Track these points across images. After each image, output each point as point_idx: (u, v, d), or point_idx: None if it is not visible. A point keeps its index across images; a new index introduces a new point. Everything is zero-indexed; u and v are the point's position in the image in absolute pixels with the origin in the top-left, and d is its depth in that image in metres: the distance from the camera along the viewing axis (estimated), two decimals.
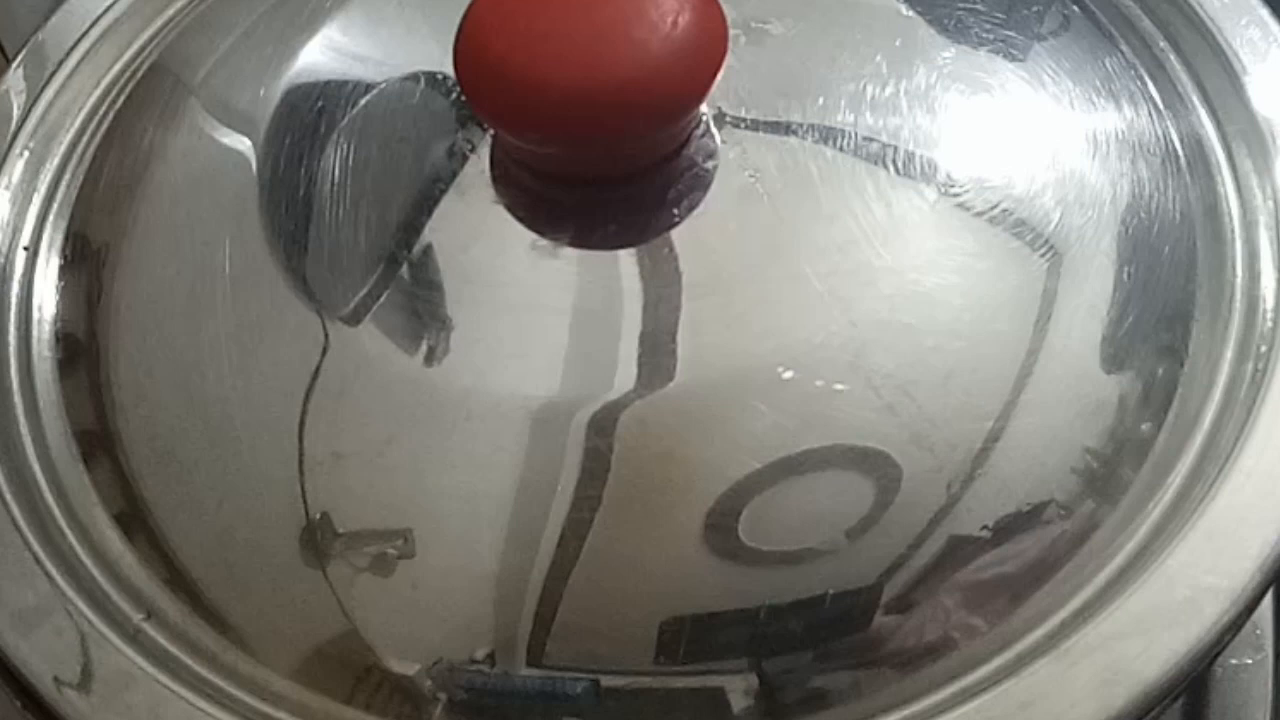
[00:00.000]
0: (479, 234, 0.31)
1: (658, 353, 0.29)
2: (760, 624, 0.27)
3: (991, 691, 0.27)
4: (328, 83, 0.33)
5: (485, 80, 0.28)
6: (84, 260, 0.33)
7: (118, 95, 0.36)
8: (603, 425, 0.28)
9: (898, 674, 0.27)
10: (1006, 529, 0.28)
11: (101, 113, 0.36)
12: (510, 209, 0.31)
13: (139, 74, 0.36)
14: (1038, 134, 0.32)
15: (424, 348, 0.30)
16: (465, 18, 0.28)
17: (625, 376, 0.29)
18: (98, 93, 0.36)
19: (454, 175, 0.31)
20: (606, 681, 0.27)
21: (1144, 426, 0.30)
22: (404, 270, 0.30)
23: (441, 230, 0.31)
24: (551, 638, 0.27)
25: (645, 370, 0.29)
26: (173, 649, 0.28)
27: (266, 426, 0.30)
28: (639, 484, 0.28)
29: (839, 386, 0.29)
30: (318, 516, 0.29)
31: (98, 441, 0.31)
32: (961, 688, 0.27)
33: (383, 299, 0.30)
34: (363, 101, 0.32)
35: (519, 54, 0.27)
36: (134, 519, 0.30)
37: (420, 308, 0.30)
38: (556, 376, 0.29)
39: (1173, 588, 0.27)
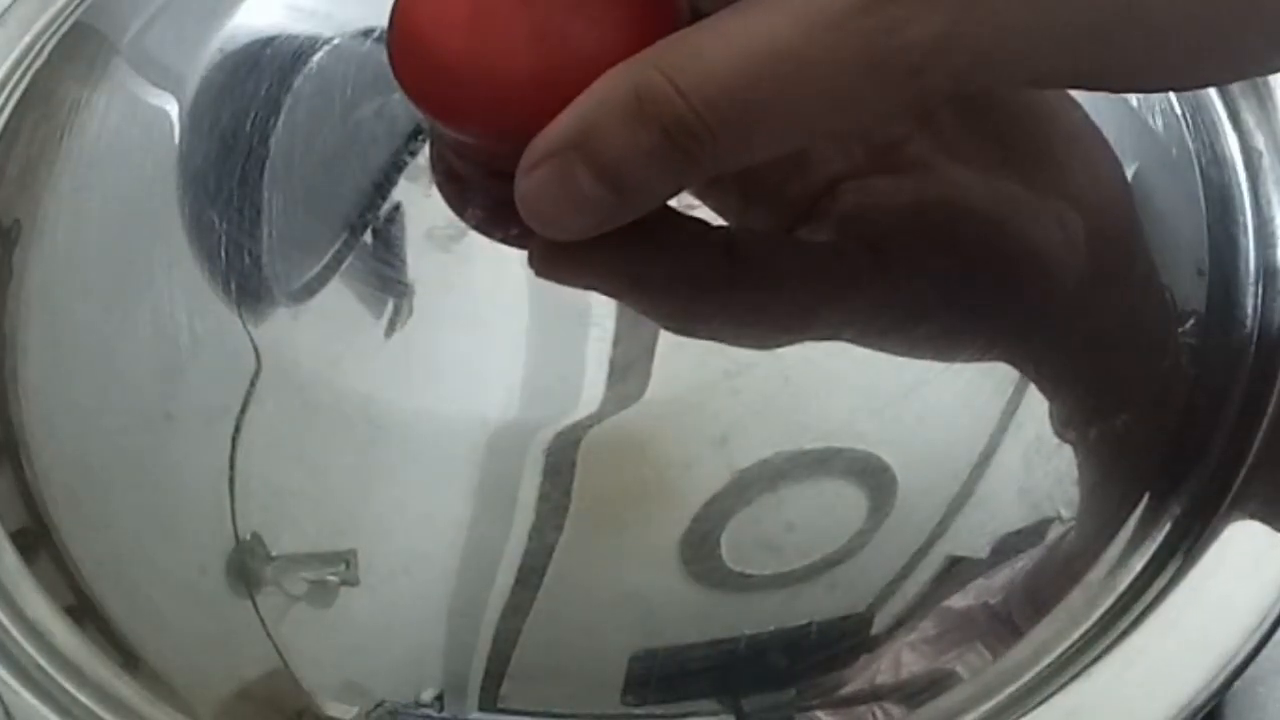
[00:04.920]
0: (432, 231, 0.28)
1: (627, 363, 0.27)
2: (738, 657, 0.25)
3: None
4: (272, 39, 0.30)
5: (426, 74, 0.25)
6: None
7: (35, 58, 0.33)
8: (567, 442, 0.26)
9: (897, 706, 0.25)
10: (1006, 549, 0.26)
11: (16, 78, 0.33)
12: (460, 207, 0.28)
13: (60, 32, 0.33)
14: None
15: (370, 354, 0.27)
16: (395, 7, 0.26)
17: (591, 391, 0.26)
18: (14, 55, 0.33)
19: (411, 163, 0.29)
20: None
21: None
22: (350, 269, 0.28)
23: (396, 224, 0.28)
24: (508, 678, 0.25)
25: (613, 382, 0.26)
26: (81, 696, 0.26)
27: (192, 437, 0.27)
28: (606, 507, 0.26)
29: (829, 396, 0.27)
30: (247, 537, 0.26)
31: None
32: None
33: (325, 298, 0.28)
34: (313, 61, 0.30)
35: (459, 42, 0.25)
36: (36, 539, 0.28)
37: (365, 312, 0.28)
38: (520, 392, 0.27)
39: (1189, 613, 0.26)
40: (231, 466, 0.27)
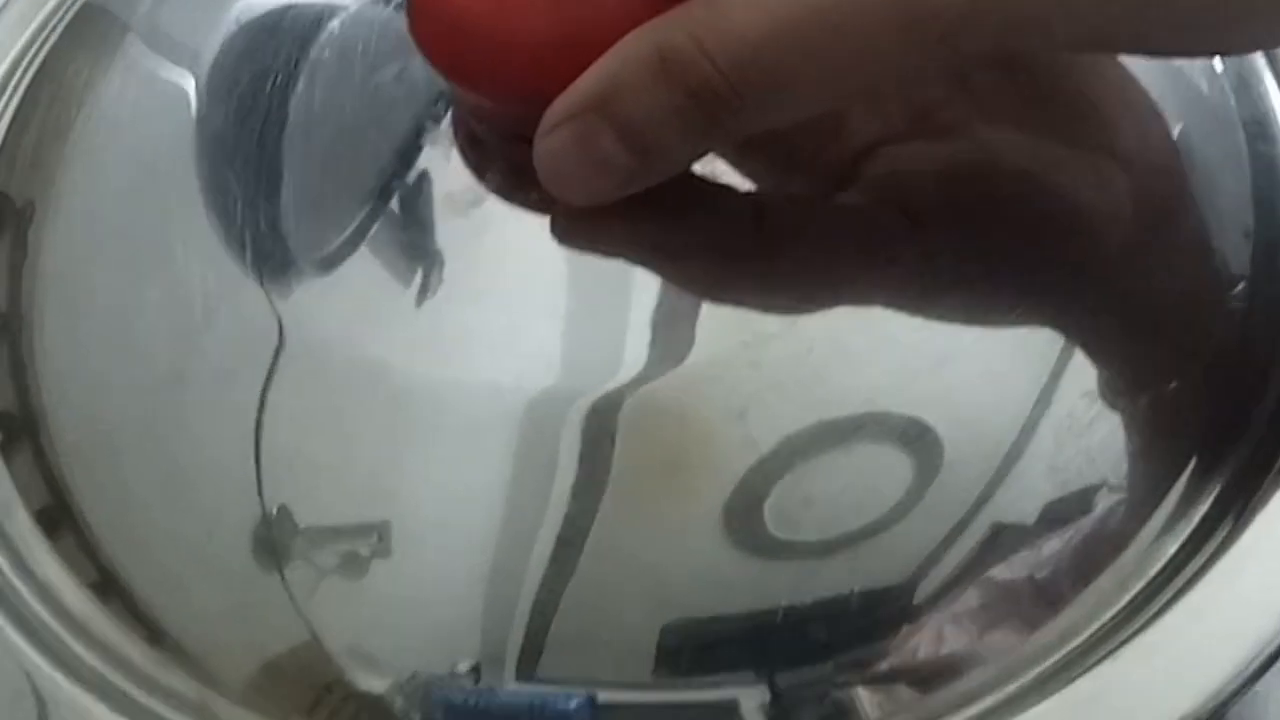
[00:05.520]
0: (452, 196, 0.28)
1: (665, 329, 0.26)
2: (775, 629, 0.24)
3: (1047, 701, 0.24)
4: (291, 5, 0.30)
5: (446, 37, 0.25)
6: (6, 221, 0.30)
7: (47, 37, 0.33)
8: (603, 410, 0.25)
9: (930, 684, 0.25)
10: (1055, 519, 0.25)
11: (30, 57, 0.32)
12: (481, 172, 0.28)
13: (71, 12, 0.33)
14: None
15: (392, 320, 0.27)
16: None
17: (627, 357, 0.26)
18: (25, 36, 0.33)
19: (432, 128, 0.28)
20: (605, 696, 0.24)
21: None
22: (373, 236, 0.27)
23: (419, 190, 0.28)
24: (545, 648, 0.24)
25: (653, 350, 0.26)
26: (106, 671, 0.25)
27: (215, 411, 0.27)
28: (643, 476, 0.25)
29: (870, 364, 0.26)
30: (274, 511, 0.25)
31: (19, 426, 0.28)
32: (1000, 700, 0.24)
33: (348, 267, 0.27)
34: (332, 26, 0.29)
35: (479, 5, 0.24)
36: (58, 516, 0.27)
37: (386, 277, 0.27)
38: (552, 360, 0.26)
39: (1225, 597, 0.25)
40: (257, 439, 0.26)
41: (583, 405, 0.25)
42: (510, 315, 0.27)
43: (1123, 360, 0.27)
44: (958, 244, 0.26)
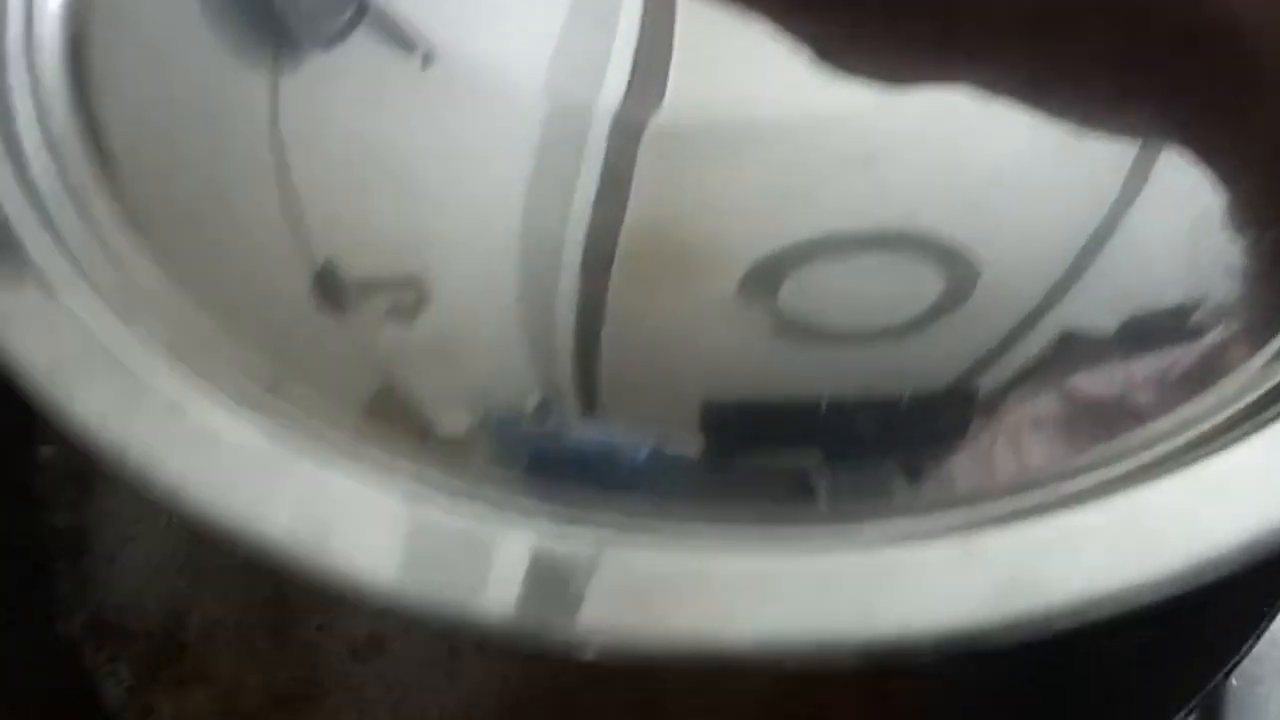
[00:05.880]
0: None
1: (747, 81, 0.25)
2: (822, 416, 0.23)
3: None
4: None
5: None
6: None
7: None
8: (625, 140, 0.24)
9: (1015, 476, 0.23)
10: (1136, 337, 0.24)
11: None
12: None
13: None
14: None
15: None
16: None
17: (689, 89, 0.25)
18: None
19: None
20: (672, 450, 0.23)
21: None
22: None
23: None
24: (600, 389, 0.24)
25: (728, 94, 0.25)
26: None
27: (243, 151, 0.26)
28: (669, 227, 0.24)
29: (961, 152, 0.25)
30: (321, 263, 0.25)
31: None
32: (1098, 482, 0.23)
33: None
34: None
35: None
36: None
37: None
38: (609, 83, 0.25)
39: None
40: (285, 181, 0.25)
41: (647, 126, 0.25)
42: (578, 29, 0.26)
43: (1258, 187, 0.26)
44: (1099, 45, 0.25)
